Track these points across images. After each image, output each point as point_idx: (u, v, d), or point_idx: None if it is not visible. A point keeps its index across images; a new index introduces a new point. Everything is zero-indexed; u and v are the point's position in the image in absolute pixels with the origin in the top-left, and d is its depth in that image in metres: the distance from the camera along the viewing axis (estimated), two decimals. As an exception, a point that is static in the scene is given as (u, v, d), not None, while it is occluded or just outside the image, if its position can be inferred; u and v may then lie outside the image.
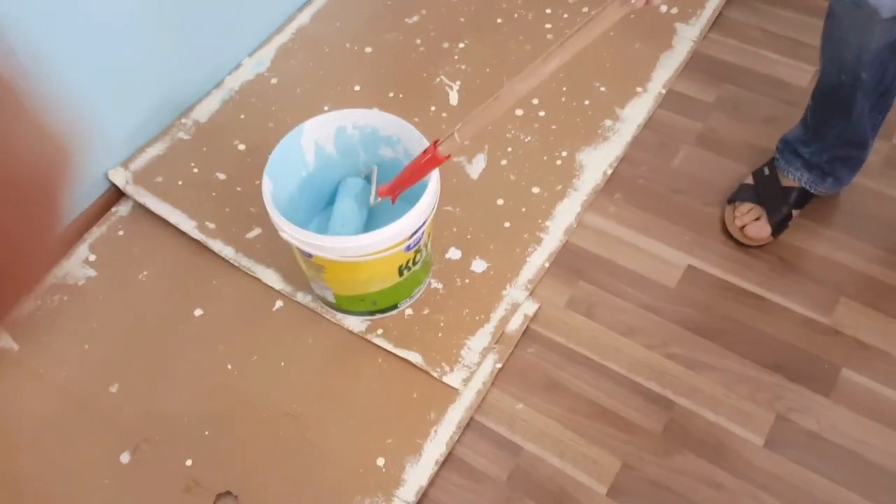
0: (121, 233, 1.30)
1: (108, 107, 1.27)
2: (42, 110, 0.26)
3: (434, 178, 1.03)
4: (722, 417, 1.09)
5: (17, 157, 0.25)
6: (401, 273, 1.10)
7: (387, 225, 0.99)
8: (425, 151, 1.00)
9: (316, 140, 1.14)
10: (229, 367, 1.16)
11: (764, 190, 1.25)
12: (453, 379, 1.12)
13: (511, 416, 1.11)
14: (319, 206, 1.23)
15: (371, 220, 1.18)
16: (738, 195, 1.27)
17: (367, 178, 1.19)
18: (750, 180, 1.28)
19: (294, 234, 1.00)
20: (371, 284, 1.11)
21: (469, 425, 1.10)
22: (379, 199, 1.10)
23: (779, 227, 1.24)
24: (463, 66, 1.49)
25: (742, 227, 1.24)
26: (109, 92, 1.25)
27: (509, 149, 1.37)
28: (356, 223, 1.15)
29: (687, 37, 1.51)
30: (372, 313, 1.18)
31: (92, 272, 1.26)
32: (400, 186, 1.06)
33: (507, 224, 1.28)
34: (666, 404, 1.11)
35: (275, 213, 1.02)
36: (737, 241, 1.25)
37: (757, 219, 1.23)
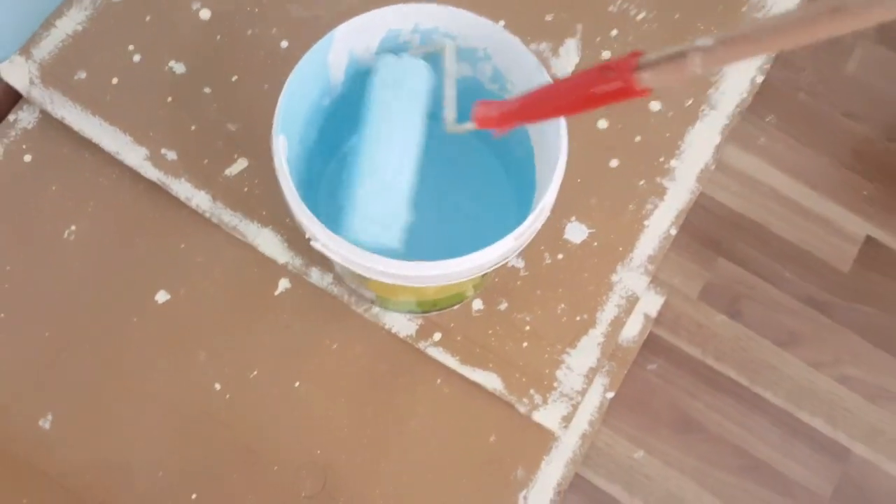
0: (27, 158, 0.84)
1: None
2: None
3: (563, 140, 0.61)
4: (911, 472, 0.81)
5: None
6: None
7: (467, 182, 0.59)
8: (606, 68, 0.48)
9: (351, 51, 0.67)
10: (217, 386, 0.79)
11: None
12: (548, 416, 0.78)
13: (629, 470, 0.79)
14: (345, 136, 0.79)
15: (434, 150, 0.71)
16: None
17: (429, 57, 0.67)
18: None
19: (339, 251, 0.59)
20: (430, 294, 0.72)
21: (571, 486, 0.78)
22: (467, 126, 0.59)
23: None
24: None
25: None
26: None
27: (614, 31, 0.92)
28: (407, 164, 0.65)
29: None
30: (426, 311, 0.80)
31: (-13, 223, 0.82)
32: (526, 115, 0.56)
33: (613, 162, 0.87)
34: (838, 453, 0.81)
35: (300, 207, 0.59)
36: (931, 199, 0.89)
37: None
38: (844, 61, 0.93)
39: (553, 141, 0.62)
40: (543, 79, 0.62)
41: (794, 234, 0.87)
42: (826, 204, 0.88)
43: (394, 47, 0.69)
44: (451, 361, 0.80)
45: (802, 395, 0.82)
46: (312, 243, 0.60)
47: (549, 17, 0.92)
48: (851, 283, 0.85)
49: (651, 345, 0.82)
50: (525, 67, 0.64)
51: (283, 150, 0.61)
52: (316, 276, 0.81)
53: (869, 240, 0.87)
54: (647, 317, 0.83)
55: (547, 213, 0.61)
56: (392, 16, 0.65)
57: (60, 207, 0.82)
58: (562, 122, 0.62)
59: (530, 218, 0.59)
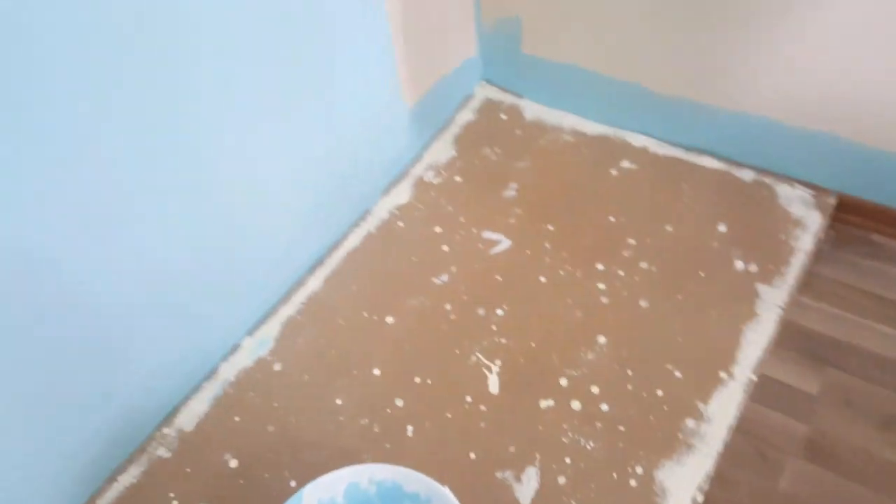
0: None
1: (65, 429, 1.02)
2: None
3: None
4: None
5: None
6: None
7: None
8: None
9: (319, 500, 0.87)
10: None
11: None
12: None
13: None
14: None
15: None
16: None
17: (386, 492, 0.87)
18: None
19: None
20: None
21: None
22: None
23: None
24: (503, 340, 1.24)
25: None
26: (62, 409, 1.01)
27: (567, 460, 1.09)
28: None
29: (773, 302, 1.25)
30: None
31: None
32: None
33: (570, 581, 0.98)
34: None
35: None
36: None
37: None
38: (776, 479, 1.06)
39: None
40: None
41: None
42: None
43: (356, 495, 0.87)
44: None
45: None
46: None
47: (511, 449, 1.10)
48: None
49: None
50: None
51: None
52: None
53: None
54: None
55: None
56: (350, 474, 0.85)
57: None
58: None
59: None
